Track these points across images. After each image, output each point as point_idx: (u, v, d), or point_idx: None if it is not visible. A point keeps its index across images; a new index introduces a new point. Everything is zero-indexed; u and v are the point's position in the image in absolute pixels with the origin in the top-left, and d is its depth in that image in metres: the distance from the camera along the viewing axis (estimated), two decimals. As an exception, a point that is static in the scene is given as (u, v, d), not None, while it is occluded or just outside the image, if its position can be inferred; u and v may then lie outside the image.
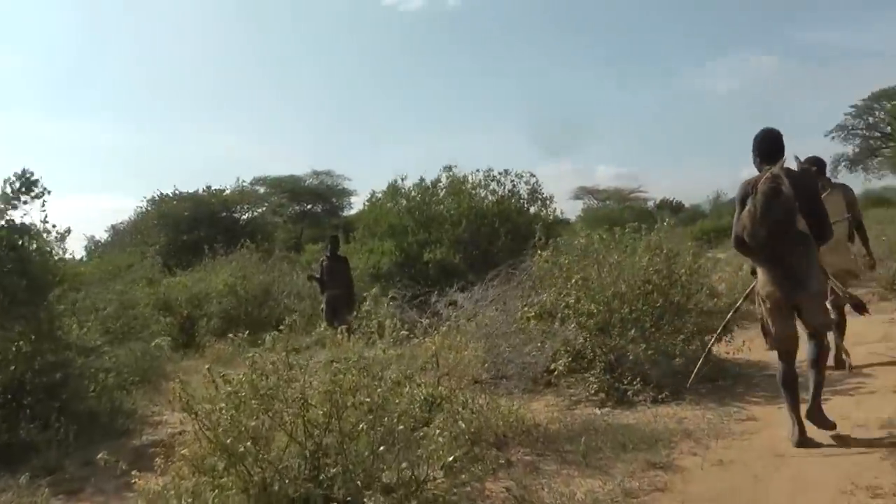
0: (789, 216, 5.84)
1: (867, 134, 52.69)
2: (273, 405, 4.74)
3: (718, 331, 7.62)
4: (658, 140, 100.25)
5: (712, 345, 7.64)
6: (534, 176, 17.98)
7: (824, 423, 6.04)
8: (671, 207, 59.85)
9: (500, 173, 17.78)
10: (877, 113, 51.77)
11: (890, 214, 17.51)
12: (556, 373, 8.12)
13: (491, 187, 17.79)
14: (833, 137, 51.47)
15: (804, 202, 5.93)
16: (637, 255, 8.67)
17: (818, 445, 5.99)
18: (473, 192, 17.72)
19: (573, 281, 8.46)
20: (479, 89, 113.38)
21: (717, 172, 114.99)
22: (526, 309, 8.87)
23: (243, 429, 4.51)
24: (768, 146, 6.32)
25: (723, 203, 59.25)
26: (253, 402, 4.70)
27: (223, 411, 4.59)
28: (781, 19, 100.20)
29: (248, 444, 4.46)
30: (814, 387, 6.10)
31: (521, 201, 17.85)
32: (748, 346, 8.50)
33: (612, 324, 8.20)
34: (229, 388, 4.74)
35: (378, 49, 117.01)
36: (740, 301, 7.13)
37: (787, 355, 6.22)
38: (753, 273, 6.61)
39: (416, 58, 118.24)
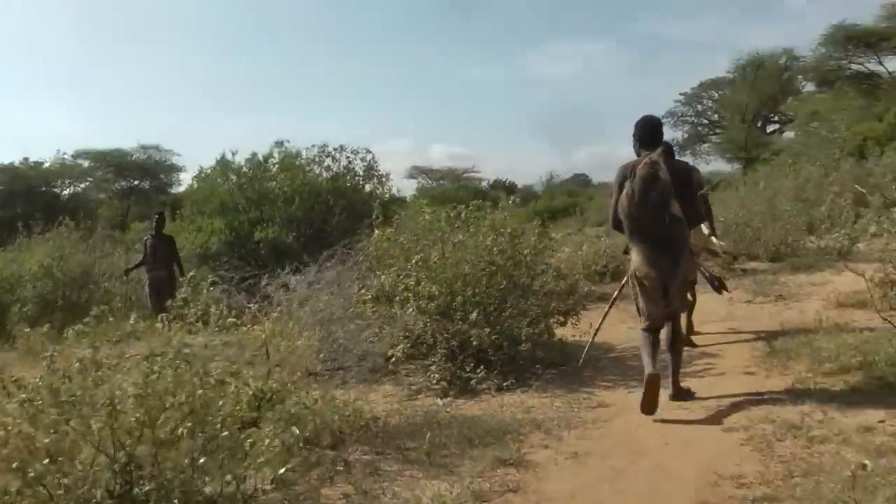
0: (666, 200, 6.16)
1: (696, 121, 56.74)
2: (79, 411, 4.09)
3: (606, 311, 7.77)
4: (493, 121, 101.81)
5: (601, 324, 7.73)
6: (370, 152, 17.36)
7: (688, 396, 6.58)
8: (505, 188, 60.75)
9: (335, 149, 17.10)
10: (705, 101, 55.69)
11: (719, 197, 17.75)
12: (394, 360, 7.63)
13: (326, 164, 17.12)
14: (663, 123, 52.29)
15: (679, 187, 6.27)
16: (481, 234, 8.26)
17: (666, 423, 6.08)
18: (308, 168, 17.04)
19: (413, 261, 7.99)
20: (316, 67, 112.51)
21: (549, 154, 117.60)
22: (363, 292, 8.36)
23: (39, 444, 3.85)
24: (648, 133, 6.72)
25: (555, 184, 60.76)
26: (52, 410, 4.04)
27: (13, 425, 3.92)
28: (616, 9, 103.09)
29: (46, 461, 3.81)
30: (673, 368, 6.59)
31: (357, 178, 17.27)
32: (594, 328, 8.28)
33: (455, 307, 7.79)
34: (23, 396, 4.06)
35: (211, 20, 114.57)
36: (624, 280, 7.38)
37: (656, 331, 6.51)
38: (626, 252, 6.89)
39: (251, 31, 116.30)
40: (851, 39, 42.54)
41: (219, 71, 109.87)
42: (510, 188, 61.99)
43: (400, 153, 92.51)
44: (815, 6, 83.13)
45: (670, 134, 52.25)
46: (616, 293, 7.73)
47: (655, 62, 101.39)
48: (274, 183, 16.76)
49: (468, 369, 7.43)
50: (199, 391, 4.31)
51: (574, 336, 8.57)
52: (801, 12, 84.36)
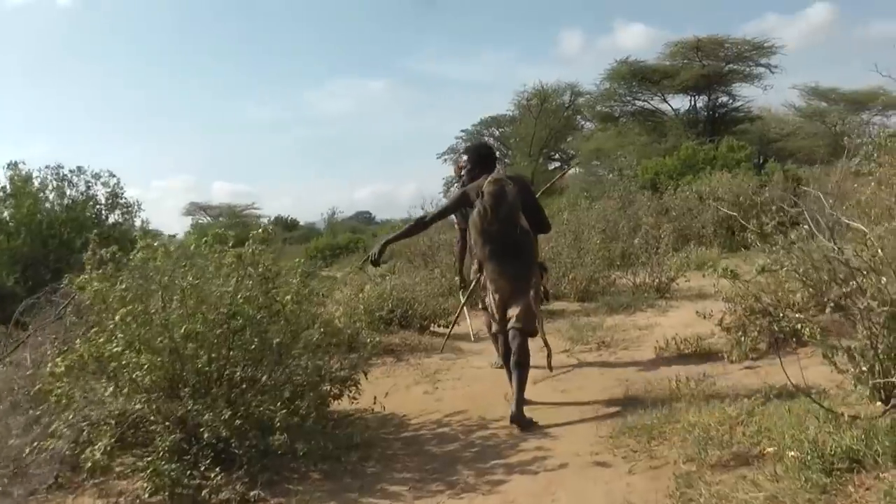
0: (515, 214, 6.39)
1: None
2: None
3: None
4: (276, 158, 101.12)
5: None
6: (114, 176, 14.46)
7: (527, 424, 6.20)
8: (286, 224, 60.70)
9: (71, 171, 14.23)
10: (486, 138, 54.65)
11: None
12: (90, 465, 5.11)
13: (63, 189, 14.19)
14: (445, 160, 53.69)
15: (526, 202, 6.57)
16: (221, 276, 5.89)
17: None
18: (41, 194, 14.08)
19: (117, 318, 5.45)
20: (94, 97, 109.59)
21: (332, 191, 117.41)
22: (57, 361, 5.72)
23: None
24: (484, 156, 7.33)
25: (337, 221, 59.46)
26: None
27: None
28: (395, 48, 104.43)
29: None
30: (517, 387, 6.31)
31: (99, 207, 14.39)
32: (381, 404, 6.20)
33: (184, 380, 5.43)
34: None
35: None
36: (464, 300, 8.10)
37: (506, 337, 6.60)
38: (480, 271, 6.98)
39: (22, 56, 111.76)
40: (636, 75, 42.62)
41: None
42: (292, 225, 61.16)
43: (182, 190, 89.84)
44: (588, 55, 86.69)
45: (450, 171, 52.73)
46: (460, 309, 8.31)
47: (435, 100, 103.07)
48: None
49: (201, 470, 5.08)
50: None
51: (353, 413, 6.44)
52: (574, 58, 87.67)
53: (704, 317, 7.79)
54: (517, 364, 6.37)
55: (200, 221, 58.49)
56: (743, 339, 7.48)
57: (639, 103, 45.07)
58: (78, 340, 5.76)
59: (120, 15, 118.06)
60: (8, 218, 13.67)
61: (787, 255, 5.49)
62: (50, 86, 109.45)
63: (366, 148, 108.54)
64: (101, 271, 5.82)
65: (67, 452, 5.12)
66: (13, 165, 14.30)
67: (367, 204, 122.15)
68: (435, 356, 9.28)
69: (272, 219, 61.51)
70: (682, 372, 7.13)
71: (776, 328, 7.23)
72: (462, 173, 7.92)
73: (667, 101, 44.63)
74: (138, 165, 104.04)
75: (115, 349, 5.36)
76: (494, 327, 6.87)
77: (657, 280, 12.29)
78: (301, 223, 63.51)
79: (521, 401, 6.23)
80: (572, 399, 6.95)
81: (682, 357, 7.88)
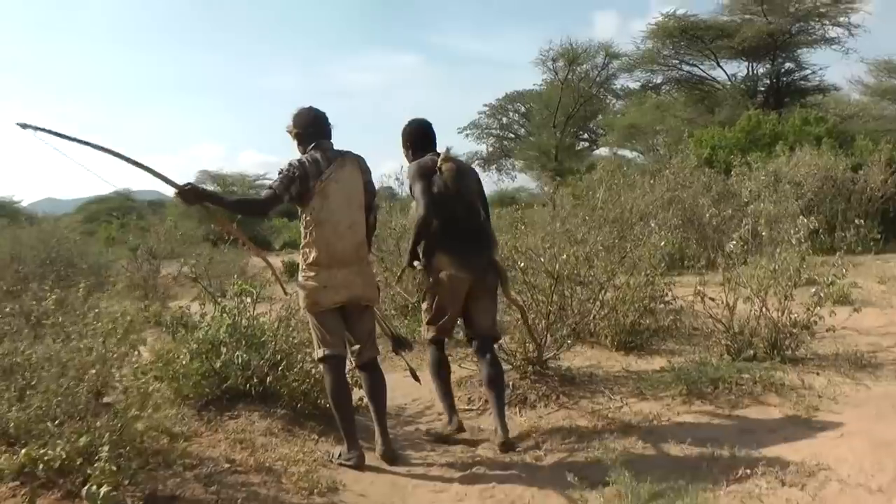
0: (478, 193, 5.60)
1: (501, 134, 52.64)
2: None
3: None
4: None
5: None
6: None
7: (515, 444, 5.22)
8: None
9: None
10: (510, 114, 51.85)
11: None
12: None
13: None
14: (467, 135, 50.01)
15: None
16: None
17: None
18: None
19: None
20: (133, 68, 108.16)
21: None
22: None
23: None
24: (423, 137, 5.81)
25: None
26: None
27: None
28: (422, 23, 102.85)
29: None
30: (498, 409, 5.24)
31: None
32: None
33: None
34: None
35: None
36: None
37: (443, 343, 5.62)
38: (421, 258, 5.57)
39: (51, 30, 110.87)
40: (686, 33, 35.36)
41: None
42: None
43: (210, 158, 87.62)
44: (622, 37, 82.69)
45: (474, 147, 50.54)
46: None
47: (462, 76, 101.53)
48: None
49: None
50: None
51: None
52: (608, 40, 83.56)
53: None
54: (496, 381, 5.33)
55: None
56: None
57: (686, 68, 38.09)
58: None
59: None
60: None
61: None
62: (87, 57, 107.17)
63: (394, 120, 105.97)
64: None
65: None
66: None
67: (391, 178, 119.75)
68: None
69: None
70: None
71: None
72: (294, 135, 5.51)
73: (720, 66, 37.32)
74: (168, 134, 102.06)
75: None
76: (430, 332, 5.48)
77: (772, 322, 6.31)
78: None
79: (505, 424, 5.16)
80: None
81: None
